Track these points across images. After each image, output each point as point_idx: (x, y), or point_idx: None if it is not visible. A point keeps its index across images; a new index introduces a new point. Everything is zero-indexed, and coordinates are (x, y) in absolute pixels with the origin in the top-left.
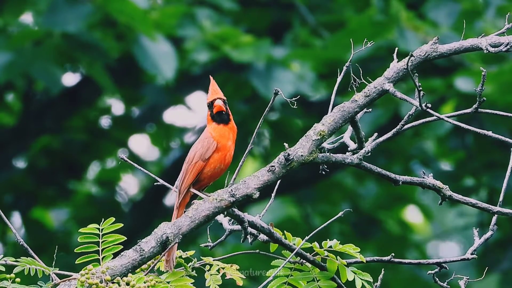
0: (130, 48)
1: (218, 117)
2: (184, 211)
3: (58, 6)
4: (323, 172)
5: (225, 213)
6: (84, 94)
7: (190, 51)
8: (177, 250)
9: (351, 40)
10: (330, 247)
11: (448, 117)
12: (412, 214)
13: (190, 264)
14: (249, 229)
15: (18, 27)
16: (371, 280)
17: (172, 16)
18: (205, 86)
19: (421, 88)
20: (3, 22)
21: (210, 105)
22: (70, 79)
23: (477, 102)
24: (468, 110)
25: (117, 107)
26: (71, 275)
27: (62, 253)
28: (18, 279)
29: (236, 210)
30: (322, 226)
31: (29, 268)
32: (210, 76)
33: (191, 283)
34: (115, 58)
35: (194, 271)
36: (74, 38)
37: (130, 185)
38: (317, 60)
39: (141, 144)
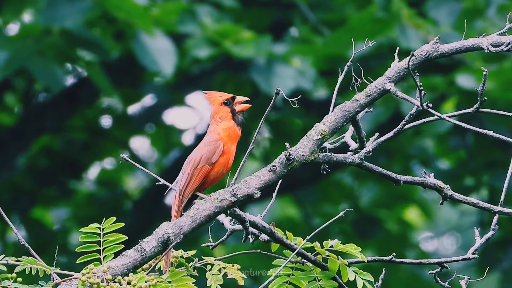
0: (130, 45)
1: (240, 116)
2: (181, 215)
3: (56, 2)
4: (324, 172)
5: (227, 213)
6: (83, 94)
7: (190, 48)
8: (178, 250)
9: (352, 39)
10: (331, 247)
11: (449, 116)
12: (412, 212)
13: (191, 264)
14: (251, 229)
15: (18, 25)
16: (372, 280)
17: (172, 12)
18: (205, 86)
19: (422, 87)
20: (3, 21)
21: (230, 102)
22: (69, 79)
23: (478, 102)
24: (469, 110)
25: (118, 106)
26: (72, 275)
27: (62, 254)
28: (19, 279)
29: (237, 210)
30: (323, 226)
31: (30, 267)
32: (205, 91)
33: (192, 283)
34: (115, 57)
35: (196, 271)
36: (73, 35)
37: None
38: (317, 56)
39: (141, 144)
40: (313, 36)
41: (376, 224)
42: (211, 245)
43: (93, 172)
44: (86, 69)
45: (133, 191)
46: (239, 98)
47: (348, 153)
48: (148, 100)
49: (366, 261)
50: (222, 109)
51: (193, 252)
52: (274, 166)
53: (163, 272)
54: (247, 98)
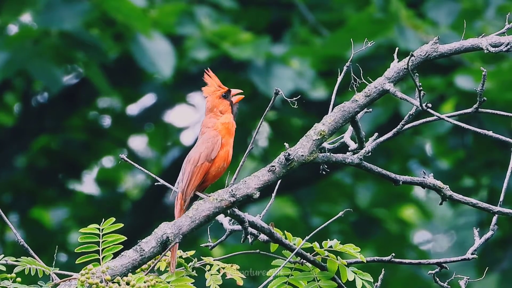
0: (128, 46)
1: (235, 108)
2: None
3: (55, 4)
4: (324, 172)
5: (226, 213)
6: (83, 94)
7: (189, 49)
8: (177, 250)
9: (351, 40)
10: (331, 247)
11: (448, 117)
12: (409, 211)
13: (190, 264)
14: (250, 229)
15: (16, 26)
16: (372, 280)
17: (171, 14)
18: (204, 85)
19: (421, 88)
20: (2, 22)
21: (227, 95)
22: (69, 79)
23: (478, 102)
24: (469, 110)
25: (117, 106)
26: (71, 275)
27: (61, 252)
28: (19, 279)
29: (236, 210)
30: (323, 226)
31: (29, 268)
32: (207, 69)
33: (191, 283)
34: (114, 57)
35: (195, 271)
36: (72, 37)
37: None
38: (316, 57)
39: (140, 143)
40: (312, 36)
41: (375, 224)
42: (210, 246)
43: (93, 174)
44: (84, 69)
45: (132, 191)
46: (233, 91)
47: (347, 153)
48: (147, 100)
49: (365, 261)
50: (222, 102)
51: (192, 252)
52: (273, 166)
53: (168, 272)
54: (241, 91)
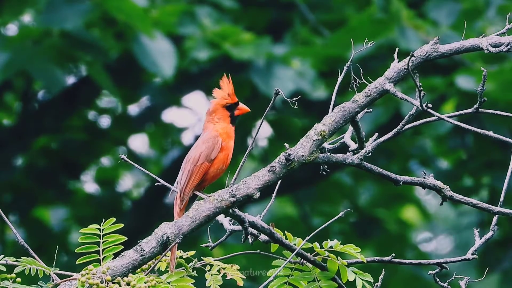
0: (130, 46)
1: (236, 119)
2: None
3: (56, 3)
4: (324, 172)
5: (226, 213)
6: (83, 94)
7: (190, 49)
8: (177, 250)
9: (351, 40)
10: (331, 247)
11: (448, 117)
12: (410, 212)
13: (190, 264)
14: (250, 230)
15: (17, 26)
16: (372, 280)
17: (172, 14)
18: (204, 86)
19: (422, 88)
20: (2, 21)
21: (232, 107)
22: (69, 79)
23: (478, 102)
24: (469, 110)
25: (115, 106)
26: (72, 275)
27: (61, 252)
28: (18, 279)
29: (236, 210)
30: (323, 226)
31: (30, 268)
32: (225, 74)
33: (191, 283)
34: (115, 57)
35: (195, 271)
36: (73, 37)
37: (129, 185)
38: (317, 58)
39: (140, 143)
40: (313, 37)
41: (375, 224)
42: (210, 246)
43: (92, 174)
44: (87, 68)
45: (132, 191)
46: (241, 106)
47: (348, 153)
48: (146, 101)
49: (365, 262)
50: (222, 111)
51: (192, 252)
52: (273, 166)
53: (168, 271)
54: (249, 110)
